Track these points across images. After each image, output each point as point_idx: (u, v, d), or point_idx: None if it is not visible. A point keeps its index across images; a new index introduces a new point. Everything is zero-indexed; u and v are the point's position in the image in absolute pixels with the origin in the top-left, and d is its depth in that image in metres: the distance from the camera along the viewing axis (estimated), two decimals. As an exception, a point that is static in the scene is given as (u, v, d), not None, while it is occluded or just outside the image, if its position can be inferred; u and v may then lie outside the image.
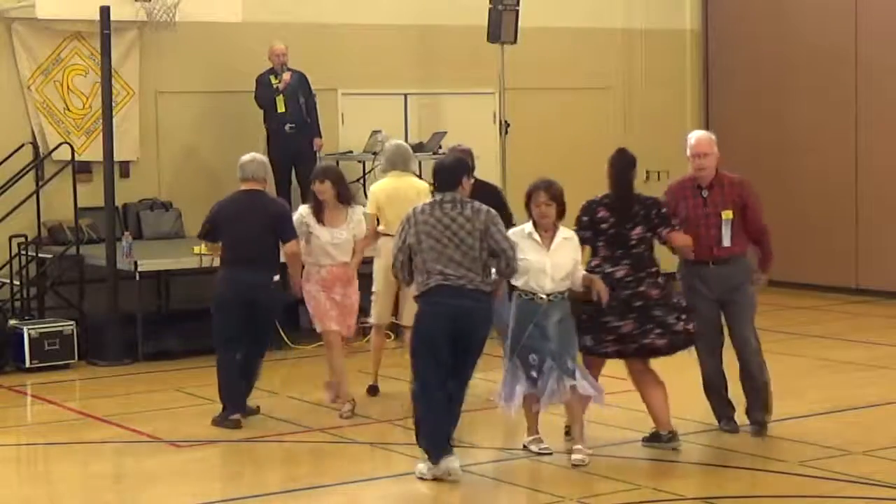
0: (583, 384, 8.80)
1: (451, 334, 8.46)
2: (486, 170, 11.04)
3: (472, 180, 9.05)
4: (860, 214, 16.58)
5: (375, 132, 15.05)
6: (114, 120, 13.50)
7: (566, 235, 8.89)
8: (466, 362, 8.62)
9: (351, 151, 15.44)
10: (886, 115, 16.24)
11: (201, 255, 12.77)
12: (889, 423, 10.06)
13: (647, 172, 17.06)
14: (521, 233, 8.89)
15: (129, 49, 14.71)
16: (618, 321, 8.92)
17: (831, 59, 16.72)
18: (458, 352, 8.55)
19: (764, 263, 9.55)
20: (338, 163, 12.95)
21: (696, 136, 9.47)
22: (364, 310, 11.07)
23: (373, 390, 11.17)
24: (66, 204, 13.77)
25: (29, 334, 12.70)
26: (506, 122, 15.82)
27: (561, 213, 8.89)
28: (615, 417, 9.32)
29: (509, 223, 9.71)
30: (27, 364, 12.67)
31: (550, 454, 9.05)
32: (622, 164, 9.19)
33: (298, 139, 14.65)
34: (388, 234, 10.93)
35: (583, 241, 9.05)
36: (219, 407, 10.24)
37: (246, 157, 10.45)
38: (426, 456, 8.57)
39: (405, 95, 16.31)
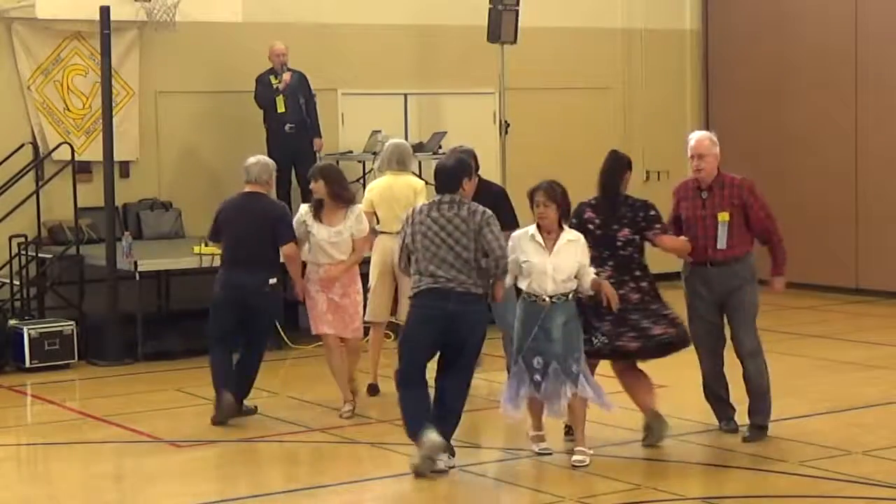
0: (586, 389, 8.77)
1: (438, 338, 8.56)
2: (487, 170, 11.02)
3: (476, 181, 9.05)
4: (860, 214, 16.57)
5: (375, 132, 15.05)
6: (114, 120, 13.49)
7: (571, 237, 8.84)
8: (458, 363, 8.65)
9: (351, 151, 15.44)
10: (886, 115, 16.22)
11: (201, 255, 12.81)
12: (889, 423, 10.05)
13: (647, 172, 17.10)
14: (525, 235, 8.87)
15: (129, 49, 14.71)
16: (597, 322, 8.96)
17: (831, 59, 16.71)
18: (450, 353, 8.63)
19: (776, 266, 9.38)
20: (338, 163, 12.93)
21: (697, 136, 9.44)
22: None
23: (373, 389, 11.15)
24: (66, 204, 13.77)
25: (29, 334, 12.69)
26: (506, 122, 15.81)
27: (564, 215, 8.87)
28: (615, 417, 9.30)
29: (513, 224, 9.72)
30: (27, 364, 12.66)
31: (550, 454, 9.05)
32: (611, 166, 9.23)
33: (298, 139, 14.64)
34: (384, 233, 10.99)
35: None
36: (218, 407, 10.26)
37: (252, 160, 10.47)
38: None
39: (405, 95, 16.30)
